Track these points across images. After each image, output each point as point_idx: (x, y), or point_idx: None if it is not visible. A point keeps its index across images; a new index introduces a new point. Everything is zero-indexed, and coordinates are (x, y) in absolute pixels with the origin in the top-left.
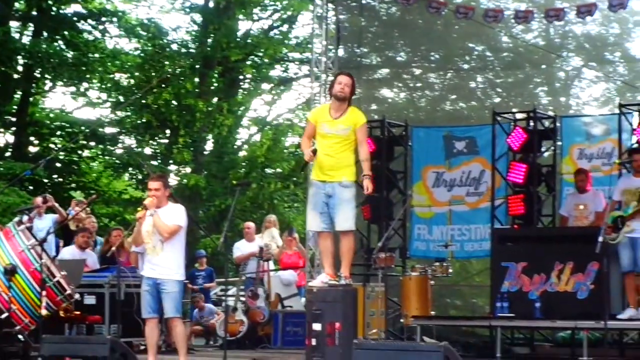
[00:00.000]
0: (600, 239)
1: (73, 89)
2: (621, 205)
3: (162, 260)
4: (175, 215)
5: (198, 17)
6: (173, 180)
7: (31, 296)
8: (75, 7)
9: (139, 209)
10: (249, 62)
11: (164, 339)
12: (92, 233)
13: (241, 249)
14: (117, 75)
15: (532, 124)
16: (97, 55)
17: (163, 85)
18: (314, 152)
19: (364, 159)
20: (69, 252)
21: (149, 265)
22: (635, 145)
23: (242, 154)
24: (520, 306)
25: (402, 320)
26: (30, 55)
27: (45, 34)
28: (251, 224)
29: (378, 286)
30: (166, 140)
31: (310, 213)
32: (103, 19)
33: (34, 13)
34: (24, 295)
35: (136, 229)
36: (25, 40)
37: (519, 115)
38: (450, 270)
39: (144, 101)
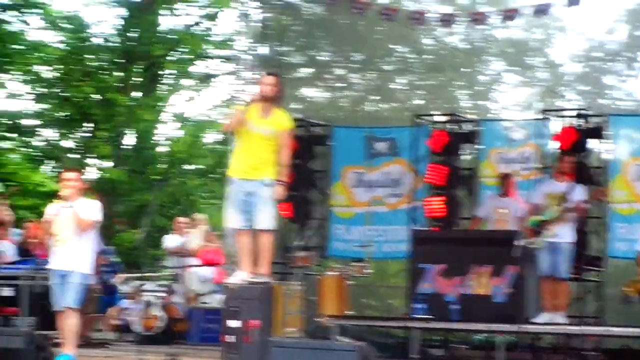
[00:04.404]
0: (519, 242)
1: None
2: (540, 209)
3: (69, 252)
4: (91, 209)
5: (122, 11)
6: (93, 173)
7: None
8: None
9: (55, 200)
10: (171, 58)
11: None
12: (5, 224)
13: (170, 242)
14: (39, 68)
15: (453, 126)
16: (18, 46)
17: (85, 79)
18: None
19: (281, 164)
20: None
21: (57, 258)
22: (557, 150)
23: (163, 149)
24: (437, 308)
25: (318, 320)
26: None
27: None
28: (183, 219)
29: (295, 285)
30: (87, 134)
31: (230, 210)
32: (25, 10)
33: None
34: None
35: (49, 220)
36: None
37: (440, 118)
38: (368, 271)
39: (65, 94)
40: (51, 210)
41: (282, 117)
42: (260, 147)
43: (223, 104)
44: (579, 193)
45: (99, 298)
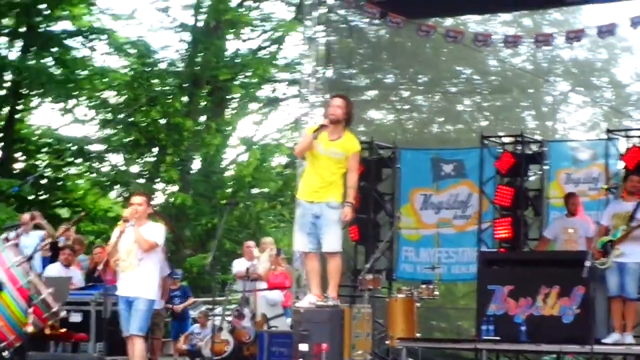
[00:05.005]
0: (588, 263)
1: (61, 105)
2: (609, 230)
3: (135, 277)
4: (155, 232)
5: (187, 36)
6: (160, 198)
7: (17, 313)
8: (64, 25)
9: (120, 222)
10: (237, 82)
11: (149, 357)
12: (75, 250)
13: (239, 266)
14: (105, 93)
15: (519, 147)
16: (85, 72)
17: (151, 104)
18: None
19: (350, 186)
20: (55, 269)
21: (124, 284)
22: (623, 170)
23: (229, 173)
24: (505, 329)
25: (387, 342)
26: (18, 71)
27: (33, 50)
28: (251, 243)
29: (364, 307)
30: (153, 159)
31: (297, 233)
32: (91, 36)
33: (23, 29)
34: (9, 311)
35: (113, 241)
36: (13, 56)
37: (506, 139)
38: (437, 293)
39: (131, 119)
40: (116, 233)
41: (350, 140)
42: (328, 169)
43: (289, 128)
44: None
45: (172, 323)
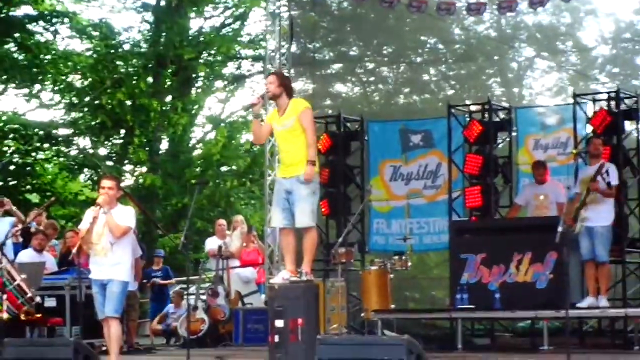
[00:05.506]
0: (560, 228)
1: (26, 90)
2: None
3: (109, 261)
4: (126, 216)
5: (150, 17)
6: (129, 180)
7: None
8: (26, 9)
9: (92, 208)
10: (202, 61)
11: (125, 339)
12: (48, 235)
13: (211, 245)
14: (70, 77)
15: (487, 115)
16: (49, 56)
17: (116, 86)
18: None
19: (308, 144)
20: (27, 255)
21: (97, 267)
22: (592, 134)
23: (197, 152)
24: (479, 297)
25: (362, 315)
26: None
27: None
28: (222, 221)
29: (338, 281)
30: (121, 141)
31: (273, 209)
32: (54, 20)
33: None
34: None
35: (88, 228)
36: None
37: (473, 107)
38: (409, 264)
39: (97, 102)
40: (87, 217)
41: (295, 103)
42: (290, 142)
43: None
44: (611, 174)
45: (151, 304)
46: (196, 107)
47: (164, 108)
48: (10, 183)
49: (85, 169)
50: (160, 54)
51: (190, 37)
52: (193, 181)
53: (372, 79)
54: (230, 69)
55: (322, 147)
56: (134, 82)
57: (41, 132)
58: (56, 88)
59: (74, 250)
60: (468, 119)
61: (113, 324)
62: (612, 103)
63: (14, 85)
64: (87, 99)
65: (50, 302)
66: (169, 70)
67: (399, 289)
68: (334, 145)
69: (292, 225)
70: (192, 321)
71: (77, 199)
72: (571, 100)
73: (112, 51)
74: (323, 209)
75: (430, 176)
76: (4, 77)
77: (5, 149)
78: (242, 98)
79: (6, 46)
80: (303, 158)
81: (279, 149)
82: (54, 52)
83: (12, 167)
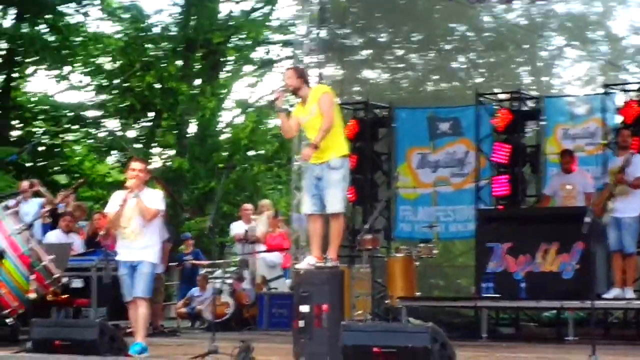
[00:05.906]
0: (588, 219)
1: (56, 72)
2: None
3: (139, 244)
4: (156, 199)
5: (180, 0)
6: (157, 163)
7: (19, 280)
8: None
9: (120, 191)
10: (231, 45)
11: (151, 321)
12: (75, 217)
13: (237, 229)
14: (100, 59)
15: (516, 104)
16: (79, 38)
17: (146, 69)
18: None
19: (321, 128)
20: (55, 236)
21: (126, 250)
22: (621, 125)
23: (225, 136)
24: (505, 286)
25: (387, 302)
26: (12, 39)
27: (27, 17)
28: (248, 205)
29: (363, 268)
30: (149, 124)
31: (304, 195)
32: (85, 2)
33: None
34: (12, 279)
35: (118, 211)
36: (7, 24)
37: (502, 96)
38: (435, 251)
39: (126, 84)
40: (116, 200)
41: (315, 90)
42: (315, 128)
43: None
44: (634, 165)
45: (180, 286)
46: (225, 91)
47: (192, 92)
48: (40, 164)
49: (114, 151)
50: (189, 37)
51: (219, 21)
52: (220, 165)
53: (400, 65)
54: (259, 53)
55: (350, 133)
56: (163, 65)
57: (70, 114)
58: (86, 70)
59: (102, 233)
60: (497, 108)
61: (142, 305)
62: None
63: (44, 66)
64: (116, 81)
65: (77, 284)
66: (198, 54)
67: (424, 277)
68: (361, 132)
69: (320, 212)
70: (217, 305)
71: (105, 181)
72: (601, 90)
73: (142, 34)
74: (350, 195)
75: (458, 164)
76: (35, 58)
77: (35, 130)
78: (271, 83)
79: (37, 28)
80: (332, 144)
81: (308, 138)
82: (84, 34)
83: (41, 148)
